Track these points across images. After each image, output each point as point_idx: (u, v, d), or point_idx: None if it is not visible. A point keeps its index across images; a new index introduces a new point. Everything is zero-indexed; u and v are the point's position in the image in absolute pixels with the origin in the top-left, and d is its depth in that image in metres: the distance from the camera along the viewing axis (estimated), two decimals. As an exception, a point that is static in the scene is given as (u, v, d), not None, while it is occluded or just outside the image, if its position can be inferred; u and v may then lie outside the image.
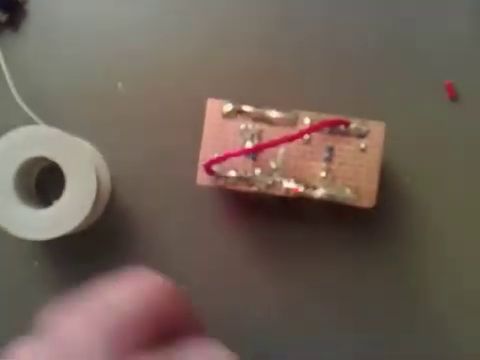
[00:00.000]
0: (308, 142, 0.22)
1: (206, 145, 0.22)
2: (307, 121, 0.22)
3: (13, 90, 0.24)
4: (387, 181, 0.24)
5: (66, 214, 0.22)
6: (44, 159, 0.22)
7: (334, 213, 0.24)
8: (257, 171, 0.22)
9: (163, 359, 0.14)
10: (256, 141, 0.22)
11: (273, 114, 0.22)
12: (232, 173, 0.22)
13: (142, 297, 0.15)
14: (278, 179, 0.22)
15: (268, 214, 0.25)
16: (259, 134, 0.22)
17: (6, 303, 0.25)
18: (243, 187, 0.22)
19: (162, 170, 0.25)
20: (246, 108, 0.22)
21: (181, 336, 0.15)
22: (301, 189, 0.22)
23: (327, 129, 0.22)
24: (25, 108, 0.24)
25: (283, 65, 0.25)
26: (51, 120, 0.24)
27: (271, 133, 0.22)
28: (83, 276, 0.16)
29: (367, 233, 0.24)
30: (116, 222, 0.25)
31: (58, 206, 0.22)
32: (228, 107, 0.22)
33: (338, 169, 0.22)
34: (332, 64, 0.25)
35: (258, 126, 0.22)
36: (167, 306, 0.15)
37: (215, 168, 0.22)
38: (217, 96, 0.22)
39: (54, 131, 0.23)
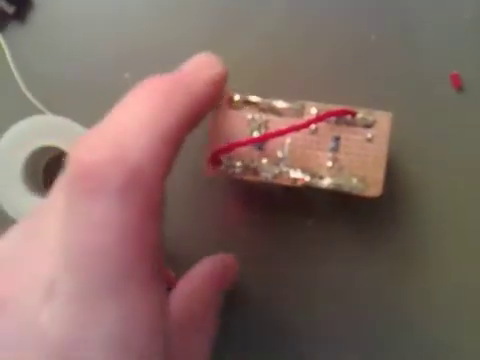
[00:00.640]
0: (314, 132, 0.22)
1: (212, 136, 0.22)
2: (314, 111, 0.22)
3: (20, 81, 0.25)
4: (392, 171, 0.24)
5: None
6: (53, 149, 0.23)
7: (340, 202, 0.24)
8: (264, 161, 0.22)
9: None
10: (263, 131, 0.22)
11: (280, 104, 0.22)
12: (239, 163, 0.22)
13: None
14: (285, 169, 0.22)
15: (274, 203, 0.25)
16: (266, 124, 0.23)
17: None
18: (250, 177, 0.22)
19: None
20: (253, 98, 0.22)
21: None
22: (307, 179, 0.22)
23: (333, 119, 0.22)
24: (32, 99, 0.24)
25: (287, 56, 0.25)
26: (58, 111, 0.24)
27: (278, 123, 0.22)
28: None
29: (373, 222, 0.24)
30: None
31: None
32: (236, 97, 0.22)
33: (345, 159, 0.22)
34: (338, 55, 0.25)
35: (265, 116, 0.22)
36: None
37: (222, 159, 0.22)
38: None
39: (63, 120, 0.23)
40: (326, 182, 0.22)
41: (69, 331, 0.12)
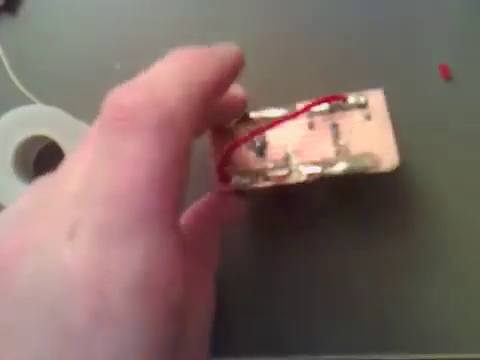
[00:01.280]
0: (311, 126, 0.22)
1: (216, 156, 0.22)
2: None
3: (10, 72, 0.25)
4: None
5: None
6: (43, 138, 0.23)
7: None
8: (270, 165, 0.22)
9: None
10: (264, 143, 0.22)
11: (272, 113, 0.22)
12: (247, 174, 0.22)
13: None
14: (294, 167, 0.22)
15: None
16: (264, 136, 0.22)
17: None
18: (262, 184, 0.22)
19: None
20: (252, 114, 0.22)
21: None
22: (319, 170, 0.22)
23: (326, 109, 0.22)
24: (23, 89, 0.24)
25: (272, 58, 0.25)
26: (49, 102, 0.24)
27: (275, 132, 0.22)
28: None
29: (367, 217, 0.25)
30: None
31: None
32: (251, 114, 0.22)
33: (349, 142, 0.22)
34: (326, 48, 0.25)
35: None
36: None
37: (230, 174, 0.22)
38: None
39: (54, 110, 0.23)
40: (340, 167, 0.22)
41: (93, 267, 0.12)
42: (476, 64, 0.25)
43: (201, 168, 0.21)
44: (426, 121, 0.25)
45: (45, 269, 0.12)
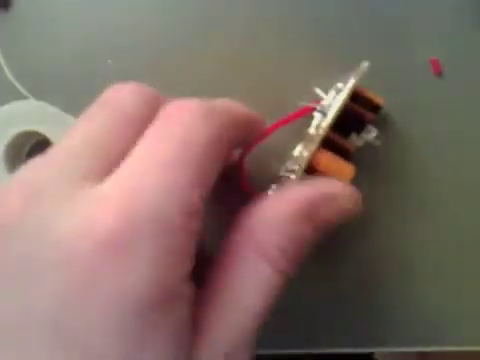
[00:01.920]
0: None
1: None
2: None
3: (5, 67, 0.25)
4: (374, 155, 0.24)
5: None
6: (36, 134, 0.23)
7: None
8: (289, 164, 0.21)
9: None
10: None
11: None
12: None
13: None
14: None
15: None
16: None
17: None
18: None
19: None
20: None
21: None
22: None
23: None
24: (17, 85, 0.24)
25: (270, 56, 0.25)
26: (42, 97, 0.24)
27: None
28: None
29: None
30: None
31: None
32: None
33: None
34: (316, 42, 0.25)
35: None
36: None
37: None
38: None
39: (46, 106, 0.23)
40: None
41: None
42: (467, 60, 0.25)
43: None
44: (415, 115, 0.25)
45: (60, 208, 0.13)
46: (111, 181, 0.13)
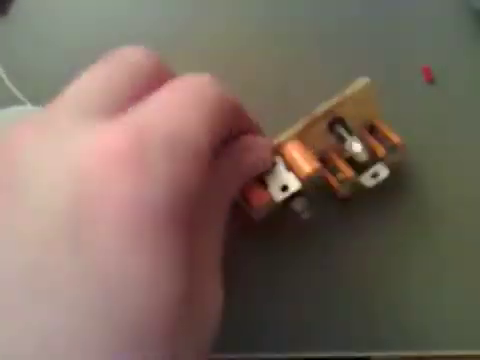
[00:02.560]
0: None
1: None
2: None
3: (2, 72, 0.25)
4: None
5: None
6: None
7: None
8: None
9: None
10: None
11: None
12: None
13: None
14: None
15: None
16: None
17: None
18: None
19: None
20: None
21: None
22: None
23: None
24: (14, 90, 0.24)
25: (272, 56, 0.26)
26: (39, 102, 0.24)
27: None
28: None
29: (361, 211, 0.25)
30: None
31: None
32: None
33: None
34: (309, 52, 0.26)
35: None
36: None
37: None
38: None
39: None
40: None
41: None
42: (458, 66, 0.26)
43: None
44: (410, 121, 0.25)
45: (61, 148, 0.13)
46: (126, 115, 0.13)
